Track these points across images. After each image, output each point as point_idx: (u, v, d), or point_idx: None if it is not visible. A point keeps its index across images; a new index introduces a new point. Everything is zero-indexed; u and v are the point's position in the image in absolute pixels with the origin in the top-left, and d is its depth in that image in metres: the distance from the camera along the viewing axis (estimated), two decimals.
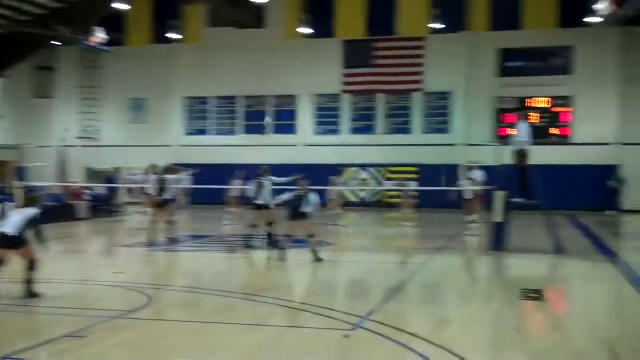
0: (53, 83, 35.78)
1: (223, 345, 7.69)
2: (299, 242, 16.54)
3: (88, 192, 25.85)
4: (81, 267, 14.50)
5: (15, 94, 33.90)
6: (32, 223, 10.21)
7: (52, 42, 32.26)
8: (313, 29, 31.23)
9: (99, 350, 7.24)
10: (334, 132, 32.18)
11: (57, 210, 22.95)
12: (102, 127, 35.19)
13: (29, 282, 10.08)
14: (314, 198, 13.86)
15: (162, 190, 17.03)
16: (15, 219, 10.20)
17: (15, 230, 10.03)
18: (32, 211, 10.42)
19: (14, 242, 10.07)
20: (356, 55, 31.68)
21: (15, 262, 10.26)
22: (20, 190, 17.95)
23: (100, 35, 25.69)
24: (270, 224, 15.54)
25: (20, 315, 9.02)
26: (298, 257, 14.93)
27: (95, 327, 8.11)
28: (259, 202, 15.49)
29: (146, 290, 10.54)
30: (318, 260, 13.63)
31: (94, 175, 33.65)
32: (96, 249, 17.18)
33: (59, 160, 33.21)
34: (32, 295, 10.00)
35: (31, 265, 10.13)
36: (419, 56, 31.18)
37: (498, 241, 15.40)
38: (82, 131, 35.11)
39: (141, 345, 7.52)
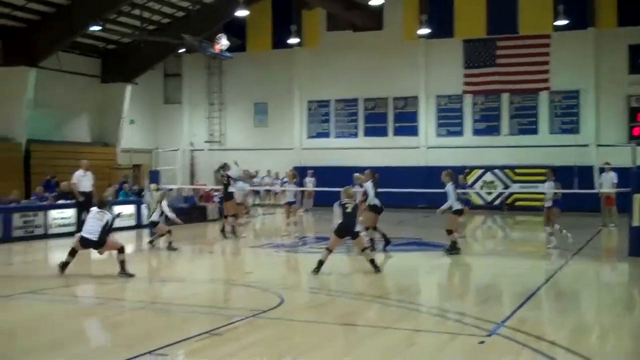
0: (180, 89, 37.13)
1: (353, 346, 7.67)
2: (427, 245, 16.40)
3: (217, 194, 26.65)
4: (213, 267, 14.91)
5: (146, 100, 35.39)
6: (106, 227, 12.03)
7: (178, 50, 33.53)
8: (432, 29, 30.81)
9: (235, 348, 7.38)
10: (457, 133, 31.60)
11: (189, 212, 23.81)
12: (227, 131, 36.16)
13: (122, 263, 11.96)
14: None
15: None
16: (92, 225, 12.06)
17: (93, 236, 11.94)
18: (107, 216, 12.14)
19: (94, 244, 12.04)
20: (478, 54, 31.02)
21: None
22: (153, 192, 18.63)
23: (222, 42, 26.40)
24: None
25: (159, 313, 9.32)
26: (424, 261, 14.79)
27: (230, 326, 8.27)
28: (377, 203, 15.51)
29: (277, 290, 10.68)
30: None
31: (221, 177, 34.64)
32: (226, 250, 17.61)
33: (188, 163, 34.43)
34: (126, 274, 11.90)
35: (120, 250, 12.10)
36: (543, 54, 30.12)
37: (637, 246, 14.60)
38: (209, 135, 36.23)
39: (274, 344, 7.60)
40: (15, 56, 26.53)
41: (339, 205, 12.54)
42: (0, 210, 18.20)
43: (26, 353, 7.21)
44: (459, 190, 16.52)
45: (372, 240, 15.46)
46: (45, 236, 18.48)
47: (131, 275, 11.99)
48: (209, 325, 8.18)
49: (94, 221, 12.17)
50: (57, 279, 11.97)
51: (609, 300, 11.13)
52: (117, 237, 14.91)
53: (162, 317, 9.09)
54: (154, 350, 7.08)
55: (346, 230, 12.47)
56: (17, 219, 18.17)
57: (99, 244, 12.15)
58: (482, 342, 7.65)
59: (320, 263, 12.38)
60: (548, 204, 16.97)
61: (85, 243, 12.15)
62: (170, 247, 15.90)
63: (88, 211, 19.00)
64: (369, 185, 15.81)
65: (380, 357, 7.16)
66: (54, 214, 19.22)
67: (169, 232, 16.09)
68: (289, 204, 19.40)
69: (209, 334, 7.83)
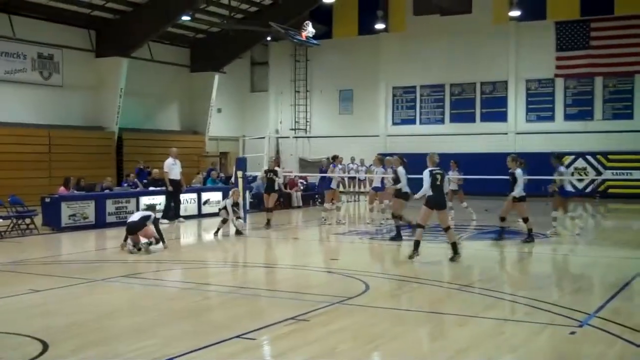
0: (267, 77, 37.54)
1: (439, 335, 7.59)
2: (512, 234, 16.06)
3: (302, 181, 26.91)
4: (298, 253, 15.04)
5: (233, 88, 35.97)
6: (147, 219, 13.82)
7: (265, 38, 33.86)
8: (523, 12, 30.02)
9: (321, 334, 7.42)
10: (547, 118, 30.76)
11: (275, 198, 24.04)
12: (312, 118, 36.35)
13: (158, 239, 13.83)
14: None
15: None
16: (136, 214, 14.46)
17: (136, 219, 13.93)
18: (148, 213, 14.41)
19: (135, 227, 13.72)
20: (571, 36, 30.04)
21: None
22: (241, 180, 18.95)
23: (309, 29, 26.45)
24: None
25: (247, 298, 9.47)
26: (511, 249, 14.49)
27: (316, 312, 8.33)
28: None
29: (362, 277, 10.69)
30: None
31: (305, 165, 34.92)
32: (310, 236, 17.73)
33: (274, 151, 34.85)
34: (146, 249, 13.57)
35: (159, 236, 13.92)
36: None
37: None
38: (294, 122, 36.53)
39: (360, 331, 7.60)
40: (108, 47, 27.45)
41: (429, 174, 12.30)
42: (94, 197, 18.89)
43: (120, 334, 7.47)
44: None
45: (398, 228, 15.28)
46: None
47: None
48: (295, 311, 8.25)
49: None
50: (149, 264, 12.35)
51: None
52: (206, 223, 15.26)
53: (250, 302, 9.22)
54: (242, 335, 7.20)
55: (437, 202, 12.26)
56: (109, 205, 18.82)
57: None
58: (573, 333, 7.44)
59: (417, 243, 12.26)
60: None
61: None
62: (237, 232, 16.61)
63: (177, 198, 19.65)
64: (402, 172, 15.51)
65: (468, 346, 7.05)
66: (145, 200, 19.80)
67: (224, 220, 16.71)
68: (375, 189, 19.34)
69: (296, 319, 7.90)
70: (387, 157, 18.83)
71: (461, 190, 19.91)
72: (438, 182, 12.29)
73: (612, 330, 7.44)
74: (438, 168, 12.53)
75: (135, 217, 14.24)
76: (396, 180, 15.60)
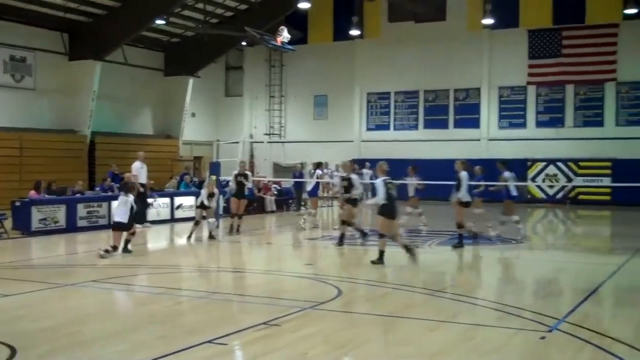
0: (241, 82, 37.48)
1: (411, 340, 7.61)
2: (484, 239, 16.17)
3: (275, 186, 26.88)
4: (271, 258, 15.02)
5: (207, 92, 35.82)
6: (132, 208, 13.52)
7: (240, 43, 33.81)
8: (496, 20, 30.30)
9: (292, 339, 7.42)
10: (519, 125, 31.05)
11: (248, 203, 23.99)
12: (287, 123, 36.35)
13: (127, 242, 13.61)
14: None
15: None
16: (120, 209, 13.69)
17: (122, 218, 13.52)
18: (130, 199, 13.71)
19: (123, 226, 13.53)
20: (543, 45, 30.38)
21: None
22: (212, 183, 18.86)
23: (284, 34, 26.44)
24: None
25: (219, 303, 9.45)
26: (482, 255, 14.59)
27: (288, 317, 8.32)
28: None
29: (335, 282, 10.70)
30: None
31: (279, 170, 34.90)
32: (284, 241, 17.72)
33: (248, 155, 34.79)
34: (126, 251, 13.57)
35: (132, 234, 13.82)
36: (611, 44, 29.31)
37: None
38: (269, 127, 36.50)
39: (332, 336, 7.61)
40: (82, 50, 27.18)
41: (383, 183, 12.42)
42: (65, 201, 18.70)
43: (91, 339, 7.41)
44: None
45: (342, 235, 15.34)
46: (109, 227, 18.87)
47: (130, 252, 13.65)
48: (267, 316, 8.24)
49: (122, 206, 13.83)
50: (120, 269, 12.26)
51: None
52: (179, 227, 15.26)
53: (222, 307, 9.21)
54: (213, 340, 7.18)
55: (390, 211, 12.38)
56: (81, 209, 18.64)
57: (128, 226, 13.67)
58: (543, 338, 7.52)
59: (382, 253, 12.34)
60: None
61: (117, 226, 13.70)
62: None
63: (144, 202, 19.49)
64: (356, 178, 15.74)
65: (439, 351, 7.09)
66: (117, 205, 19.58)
67: (196, 223, 16.67)
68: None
69: (267, 324, 7.89)
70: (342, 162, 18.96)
71: (417, 196, 19.60)
72: (390, 191, 12.41)
73: (581, 335, 7.52)
74: (389, 177, 12.65)
75: (121, 214, 13.80)
76: (348, 187, 15.55)
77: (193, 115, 34.43)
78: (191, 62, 32.39)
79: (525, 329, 7.96)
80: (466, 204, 15.02)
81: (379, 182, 12.53)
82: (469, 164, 15.95)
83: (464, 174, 14.99)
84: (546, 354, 7.03)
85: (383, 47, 32.92)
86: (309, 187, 20.25)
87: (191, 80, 32.59)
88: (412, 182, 19.27)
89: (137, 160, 19.57)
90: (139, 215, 19.29)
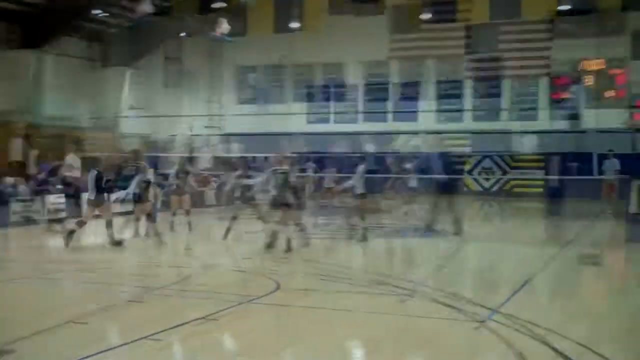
0: (181, 73, 37.01)
1: (349, 331, 7.69)
2: (421, 231, 16.38)
3: (215, 179, 26.66)
4: (211, 252, 14.90)
5: (145, 84, 35.29)
6: (99, 181, 13.42)
7: (179, 34, 33.44)
8: (434, 14, 30.63)
9: (231, 333, 7.42)
10: (456, 119, 31.52)
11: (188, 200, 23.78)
12: (227, 116, 36.07)
13: (111, 234, 13.46)
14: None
15: None
16: (89, 185, 13.66)
17: (92, 192, 13.49)
18: (93, 173, 13.59)
19: (94, 202, 13.52)
20: (480, 40, 30.87)
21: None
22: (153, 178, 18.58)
23: (224, 26, 26.29)
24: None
25: (156, 299, 9.35)
26: (421, 247, 14.80)
27: (226, 311, 8.30)
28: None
29: (273, 275, 10.71)
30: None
31: (219, 163, 34.59)
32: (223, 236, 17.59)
33: (187, 148, 34.40)
34: (116, 243, 13.48)
35: (108, 223, 13.59)
36: (545, 39, 29.99)
37: (635, 232, 14.63)
38: (208, 120, 36.14)
39: (269, 330, 7.63)
40: (18, 39, 26.50)
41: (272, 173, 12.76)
42: None
43: (27, 336, 7.21)
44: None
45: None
46: (43, 221, 18.49)
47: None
48: (205, 311, 8.20)
49: (91, 181, 13.84)
50: (55, 264, 12.02)
51: (605, 286, 11.18)
52: (115, 222, 15.00)
53: (159, 303, 9.12)
54: (149, 336, 7.11)
55: (277, 201, 12.63)
56: (15, 205, 18.17)
57: (98, 200, 13.57)
58: (476, 328, 7.68)
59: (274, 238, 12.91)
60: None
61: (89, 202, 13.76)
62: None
63: (75, 196, 19.09)
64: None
65: (375, 343, 7.19)
66: (52, 199, 19.22)
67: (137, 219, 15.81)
68: None
69: (205, 319, 7.86)
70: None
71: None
72: (280, 182, 12.57)
73: (514, 325, 7.71)
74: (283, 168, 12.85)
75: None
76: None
77: (131, 107, 33.90)
78: (130, 53, 31.88)
79: (459, 319, 8.12)
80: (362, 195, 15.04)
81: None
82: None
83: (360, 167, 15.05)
84: (479, 344, 7.19)
85: (323, 40, 32.90)
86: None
87: (129, 72, 32.07)
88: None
89: (70, 154, 19.24)
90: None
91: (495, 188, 30.02)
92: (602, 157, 20.34)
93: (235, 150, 25.45)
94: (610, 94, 28.70)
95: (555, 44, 29.60)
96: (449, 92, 31.71)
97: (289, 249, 12.96)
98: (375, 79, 32.87)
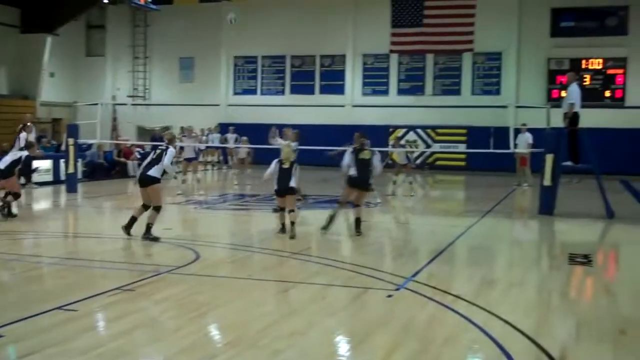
0: (103, 41, 36.15)
1: (266, 301, 7.81)
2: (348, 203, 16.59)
3: (139, 150, 26.28)
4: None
5: (67, 52, 34.32)
6: (17, 163, 13.18)
7: (103, 0, 32.58)
8: None
9: (146, 304, 7.44)
10: (382, 92, 31.88)
11: (108, 168, 23.46)
12: (152, 85, 35.51)
13: (8, 206, 13.12)
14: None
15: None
16: (6, 158, 13.35)
17: (3, 165, 13.10)
18: (21, 153, 13.35)
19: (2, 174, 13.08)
20: (405, 14, 31.11)
21: None
22: (72, 147, 18.26)
23: None
24: None
25: (73, 269, 9.26)
26: (345, 218, 15.00)
27: (143, 282, 8.30)
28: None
29: (194, 246, 10.73)
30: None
31: (144, 133, 34.12)
32: None
33: (110, 118, 33.77)
34: (10, 215, 13.18)
35: (14, 195, 13.23)
36: (469, 15, 30.40)
37: (547, 205, 15.20)
38: (132, 89, 35.51)
39: (186, 299, 7.67)
40: None
41: (277, 162, 12.25)
42: None
43: None
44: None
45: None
46: None
47: (14, 216, 13.30)
48: (122, 281, 8.18)
49: (10, 156, 13.56)
50: None
51: (516, 256, 11.63)
52: (35, 192, 14.71)
53: (75, 273, 9.04)
54: (64, 306, 7.06)
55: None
56: None
57: (4, 174, 13.14)
58: (390, 296, 7.92)
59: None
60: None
61: None
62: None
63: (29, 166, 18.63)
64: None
65: (290, 311, 7.34)
66: None
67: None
68: (188, 160, 19.73)
69: (121, 289, 7.83)
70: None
71: None
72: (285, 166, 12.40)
73: (426, 293, 7.98)
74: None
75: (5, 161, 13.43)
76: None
77: (52, 75, 32.98)
78: (50, 19, 30.88)
79: (374, 287, 8.35)
80: None
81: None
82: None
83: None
84: (391, 311, 7.41)
85: (250, 10, 32.63)
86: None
87: (50, 39, 31.11)
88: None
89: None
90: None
91: (419, 161, 30.55)
92: (517, 132, 20.95)
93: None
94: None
95: None
96: (374, 65, 31.96)
97: None
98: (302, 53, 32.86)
